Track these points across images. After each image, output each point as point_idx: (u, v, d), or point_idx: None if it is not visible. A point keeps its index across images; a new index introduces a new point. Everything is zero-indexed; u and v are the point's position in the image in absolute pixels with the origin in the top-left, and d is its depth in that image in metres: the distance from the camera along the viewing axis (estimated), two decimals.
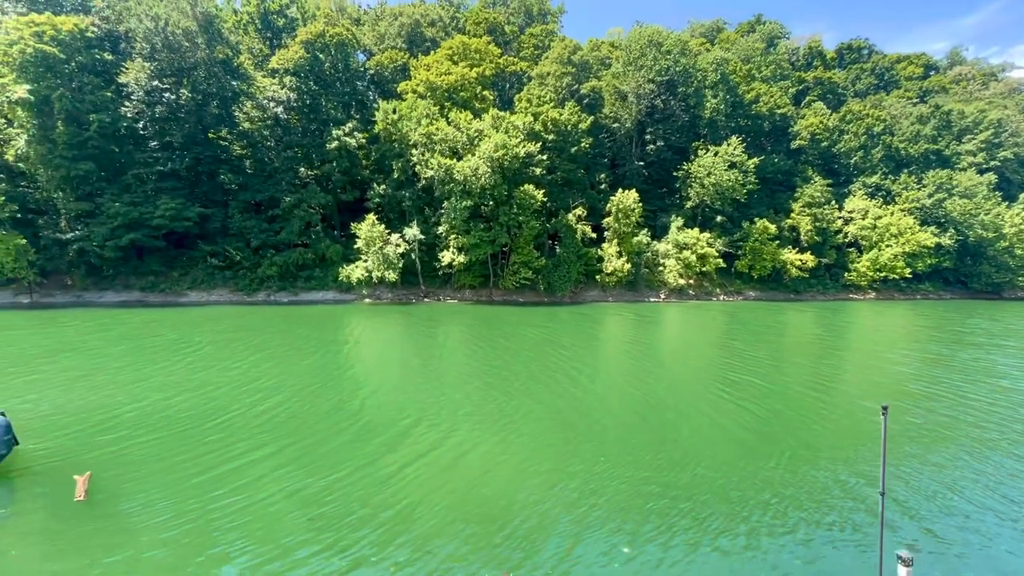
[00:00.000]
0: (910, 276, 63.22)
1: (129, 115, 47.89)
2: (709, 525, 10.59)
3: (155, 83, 47.93)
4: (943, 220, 64.03)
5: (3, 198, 42.89)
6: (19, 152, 47.51)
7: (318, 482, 11.92)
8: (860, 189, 67.68)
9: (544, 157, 51.65)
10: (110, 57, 47.65)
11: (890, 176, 67.89)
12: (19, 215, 45.05)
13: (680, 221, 59.12)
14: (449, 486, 11.97)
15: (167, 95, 48.67)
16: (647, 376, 22.76)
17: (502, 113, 52.47)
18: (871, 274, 62.87)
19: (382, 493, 11.50)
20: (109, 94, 46.50)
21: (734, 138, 60.04)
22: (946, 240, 62.86)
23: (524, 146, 49.37)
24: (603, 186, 59.86)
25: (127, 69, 46.97)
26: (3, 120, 47.94)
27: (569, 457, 13.75)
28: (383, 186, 54.00)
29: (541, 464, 13.30)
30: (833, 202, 64.59)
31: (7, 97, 43.01)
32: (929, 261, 62.72)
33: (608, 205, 55.28)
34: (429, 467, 12.89)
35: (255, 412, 16.47)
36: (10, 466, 12.38)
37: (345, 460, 13.16)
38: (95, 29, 46.79)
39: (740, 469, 13.16)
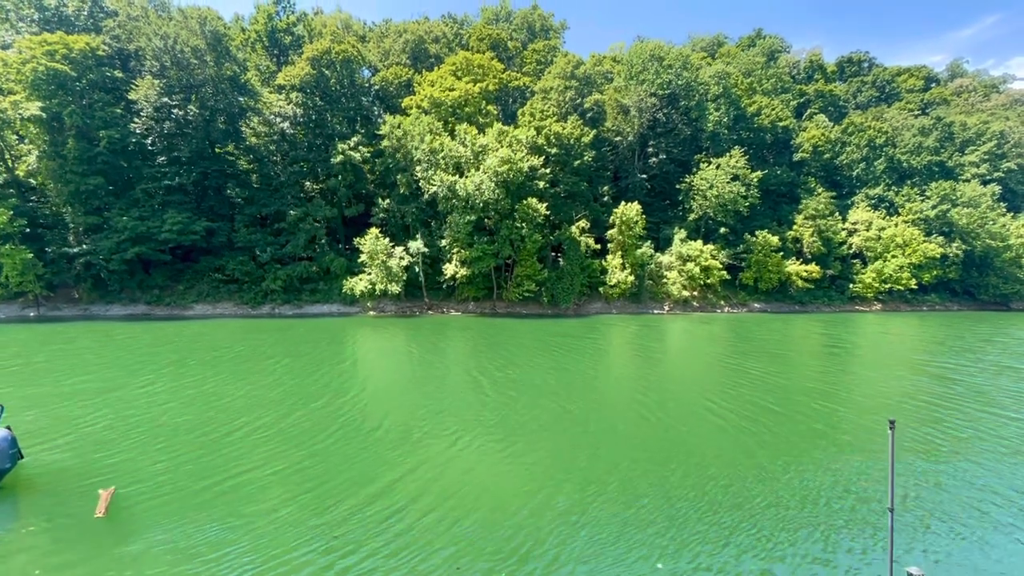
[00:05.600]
0: (916, 287, 62.87)
1: (138, 131, 48.63)
2: (728, 540, 10.56)
3: (164, 100, 48.68)
4: (948, 230, 63.82)
5: (12, 212, 43.41)
6: (30, 168, 48.31)
7: (339, 503, 11.75)
8: (863, 201, 67.64)
9: (547, 170, 51.99)
10: (120, 75, 48.57)
11: (893, 188, 67.85)
12: (28, 229, 45.56)
13: (683, 233, 59.16)
14: (465, 501, 11.90)
15: (175, 111, 49.41)
16: (655, 388, 22.58)
17: (506, 128, 52.97)
18: (877, 285, 62.52)
19: (399, 512, 11.35)
20: (119, 110, 47.32)
21: (736, 150, 60.29)
22: (952, 250, 62.60)
23: (527, 160, 49.73)
24: (606, 199, 60.08)
25: (137, 86, 47.80)
26: (15, 136, 48.79)
27: (584, 471, 13.66)
28: (387, 200, 54.41)
29: (556, 479, 13.19)
30: (836, 213, 64.56)
31: (19, 114, 43.77)
32: (935, 272, 62.41)
33: (611, 217, 55.44)
34: (443, 483, 12.78)
35: (277, 428, 16.45)
36: (32, 480, 12.38)
37: (364, 478, 13.07)
38: (106, 48, 47.78)
39: (751, 483, 13.04)
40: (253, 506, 11.58)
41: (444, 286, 53.05)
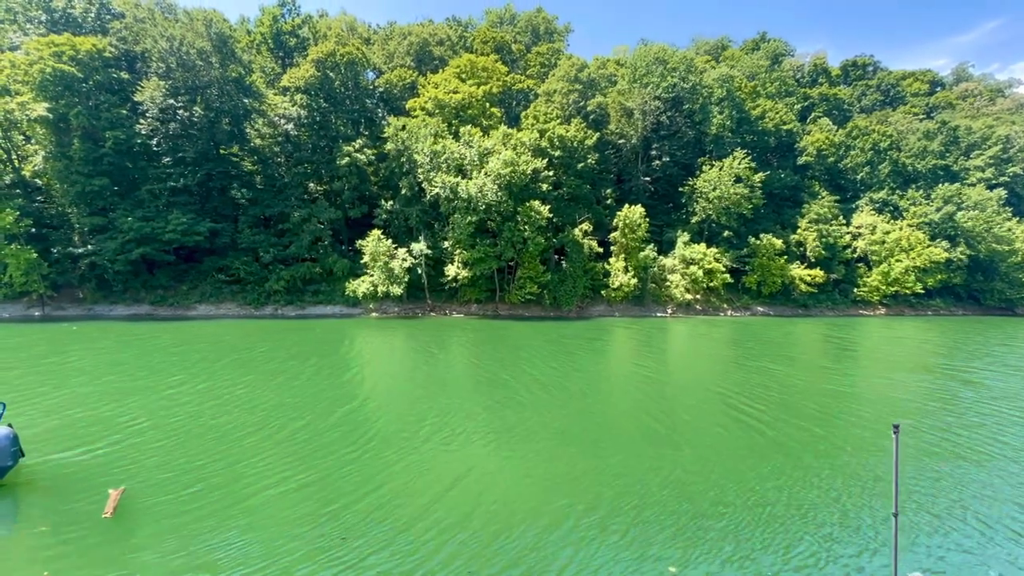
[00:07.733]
0: (921, 292, 62.55)
1: (144, 132, 48.87)
2: (736, 544, 10.56)
3: (169, 101, 48.94)
4: (953, 234, 63.49)
5: (18, 213, 43.65)
6: (36, 168, 48.59)
7: (347, 507, 11.57)
8: (867, 204, 67.39)
9: (550, 173, 51.99)
10: (126, 76, 48.83)
11: (898, 191, 67.60)
12: (33, 229, 45.80)
13: (686, 236, 58.99)
14: (474, 508, 11.79)
15: (181, 112, 49.65)
16: (659, 392, 22.50)
17: (510, 130, 53.02)
18: (884, 288, 62.20)
19: (426, 530, 11.03)
20: (125, 112, 47.55)
21: (739, 151, 60.14)
22: (957, 255, 62.26)
23: (531, 163, 49.76)
24: (609, 201, 60.00)
25: (143, 88, 48.05)
26: (22, 137, 49.11)
27: (591, 475, 13.58)
28: (391, 202, 54.52)
29: (564, 484, 13.13)
30: (840, 217, 64.33)
31: (26, 115, 44.05)
32: (940, 277, 62.08)
33: (615, 220, 55.35)
34: (450, 489, 12.66)
35: (301, 433, 16.34)
36: (49, 480, 12.34)
37: (374, 481, 13.00)
38: (112, 49, 48.05)
39: (755, 488, 12.97)
40: (271, 516, 11.19)
41: (446, 288, 53.03)
